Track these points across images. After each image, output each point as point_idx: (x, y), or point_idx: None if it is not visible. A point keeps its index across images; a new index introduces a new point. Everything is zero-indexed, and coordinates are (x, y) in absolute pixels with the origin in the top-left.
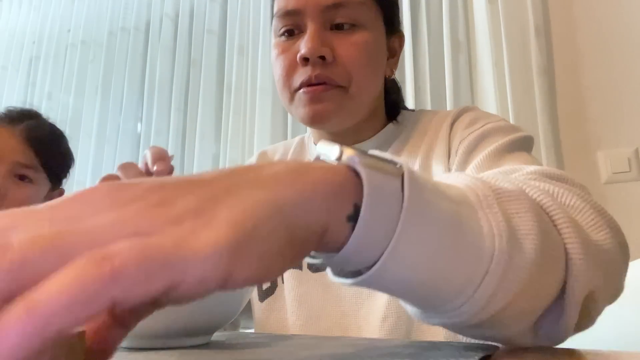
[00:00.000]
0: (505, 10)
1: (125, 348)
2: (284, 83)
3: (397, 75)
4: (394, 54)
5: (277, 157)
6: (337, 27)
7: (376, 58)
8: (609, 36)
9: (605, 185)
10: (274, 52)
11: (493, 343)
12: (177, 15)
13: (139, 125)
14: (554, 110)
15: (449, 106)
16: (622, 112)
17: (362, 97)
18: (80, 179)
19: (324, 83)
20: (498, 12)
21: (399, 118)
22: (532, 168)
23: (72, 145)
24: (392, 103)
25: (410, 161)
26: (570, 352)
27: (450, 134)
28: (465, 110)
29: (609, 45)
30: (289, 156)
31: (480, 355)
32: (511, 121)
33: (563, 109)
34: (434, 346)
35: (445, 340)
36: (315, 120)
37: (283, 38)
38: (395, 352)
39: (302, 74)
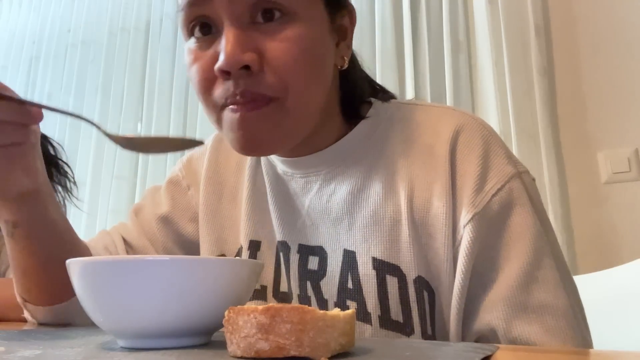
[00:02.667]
0: (505, 10)
1: (125, 348)
2: (205, 102)
3: (397, 76)
4: (344, 35)
5: (235, 154)
6: (264, 19)
7: (318, 54)
8: (609, 36)
9: (605, 185)
10: (186, 59)
11: (493, 344)
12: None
13: (139, 125)
14: (554, 110)
15: None
16: (622, 112)
17: (305, 109)
18: (80, 179)
19: (253, 100)
20: (498, 12)
21: (372, 112)
22: None
23: (72, 145)
24: (347, 95)
25: (395, 179)
26: (571, 351)
27: (451, 164)
28: (461, 133)
29: (609, 45)
30: (248, 158)
31: (481, 355)
32: (511, 121)
33: (563, 109)
34: (433, 346)
35: (445, 341)
36: (247, 151)
37: (193, 39)
38: (396, 353)
39: (224, 90)
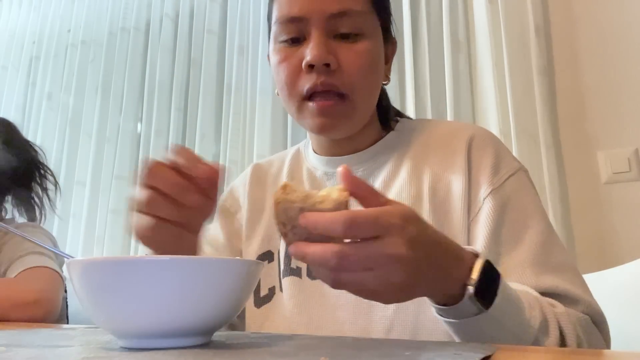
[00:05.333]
0: (505, 10)
1: (125, 348)
2: (290, 92)
3: (397, 76)
4: (387, 60)
5: (273, 170)
6: (342, 37)
7: (377, 66)
8: (609, 36)
9: (605, 185)
10: (275, 58)
11: (492, 344)
12: (177, 15)
13: (139, 125)
14: (554, 110)
15: (449, 106)
16: (622, 112)
17: (365, 105)
18: (80, 179)
19: (329, 91)
20: (498, 12)
21: (399, 126)
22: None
23: (72, 145)
24: (384, 109)
25: (418, 169)
26: (570, 351)
27: (468, 159)
28: (475, 138)
29: (609, 45)
30: (285, 168)
31: (481, 355)
32: (511, 121)
33: (563, 109)
34: (433, 346)
35: (446, 341)
36: (324, 131)
37: (285, 44)
38: (395, 352)
39: (307, 81)
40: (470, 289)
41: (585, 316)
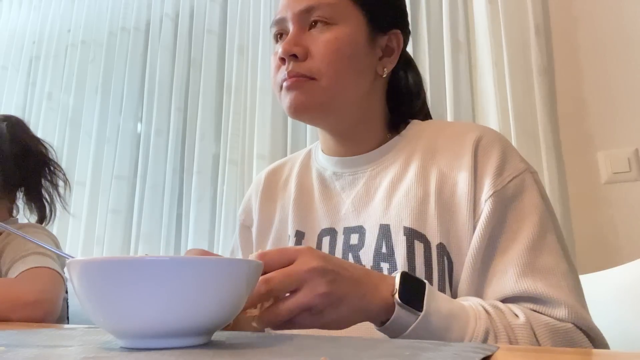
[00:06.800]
0: (505, 10)
1: (125, 348)
2: (273, 84)
3: None
4: (390, 52)
5: (285, 172)
6: (311, 27)
7: (349, 53)
8: (609, 36)
9: (605, 185)
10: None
11: (493, 344)
12: (177, 15)
13: (139, 125)
14: (554, 110)
15: (449, 107)
16: (622, 112)
17: (334, 88)
18: (80, 179)
19: (297, 77)
20: (498, 12)
21: (408, 128)
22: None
23: (72, 145)
24: (399, 112)
25: (426, 170)
26: (570, 351)
27: (474, 160)
28: (483, 138)
29: (609, 45)
30: (296, 168)
31: (480, 355)
32: (511, 121)
33: (563, 109)
34: (434, 347)
35: (446, 341)
36: (294, 109)
37: (276, 44)
38: (395, 352)
39: (281, 72)
40: (397, 297)
41: (565, 324)
